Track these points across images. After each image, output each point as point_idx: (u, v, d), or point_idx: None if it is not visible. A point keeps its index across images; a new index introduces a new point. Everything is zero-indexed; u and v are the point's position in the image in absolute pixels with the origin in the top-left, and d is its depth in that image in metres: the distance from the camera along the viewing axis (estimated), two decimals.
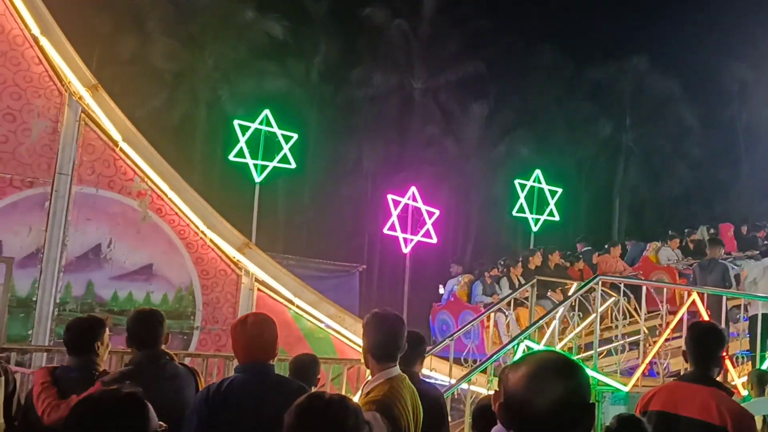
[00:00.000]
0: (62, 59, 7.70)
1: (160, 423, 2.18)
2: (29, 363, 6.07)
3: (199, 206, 8.41)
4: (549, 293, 10.97)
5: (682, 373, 3.93)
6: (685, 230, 14.42)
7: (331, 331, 8.77)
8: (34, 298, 7.51)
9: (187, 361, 5.30)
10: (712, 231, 13.87)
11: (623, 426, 3.08)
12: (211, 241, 8.40)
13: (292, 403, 3.33)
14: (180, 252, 8.27)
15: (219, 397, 3.15)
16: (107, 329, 3.73)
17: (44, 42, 7.65)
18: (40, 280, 7.57)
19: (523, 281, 11.02)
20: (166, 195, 8.20)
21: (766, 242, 12.64)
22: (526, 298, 10.00)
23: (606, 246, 13.34)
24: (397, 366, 3.17)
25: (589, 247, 13.67)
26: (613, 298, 9.84)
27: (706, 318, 8.15)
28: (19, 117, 7.56)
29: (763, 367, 7.47)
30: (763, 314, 8.23)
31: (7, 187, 7.49)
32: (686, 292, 8.21)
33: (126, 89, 20.48)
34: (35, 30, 7.61)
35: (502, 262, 12.56)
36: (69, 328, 3.67)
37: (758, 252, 11.19)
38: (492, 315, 10.28)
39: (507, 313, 10.50)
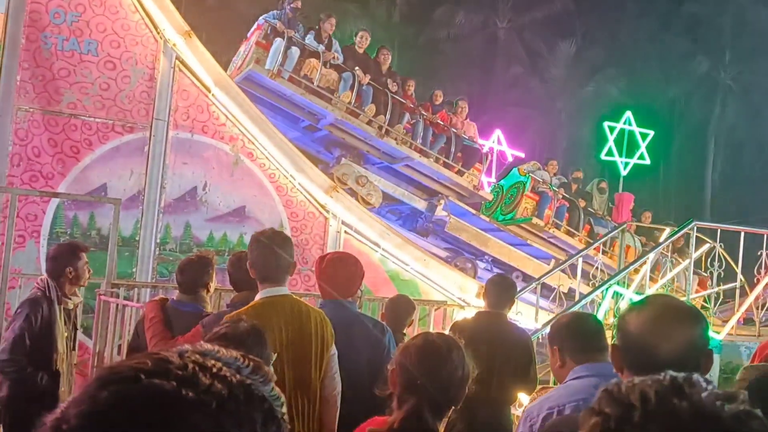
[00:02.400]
0: (156, 6, 7.91)
1: (270, 353, 2.33)
2: (136, 298, 6.46)
3: (287, 150, 8.58)
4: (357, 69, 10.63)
5: None
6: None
7: (416, 273, 8.89)
8: (137, 238, 7.93)
9: None
10: (603, 185, 13.52)
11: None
12: (300, 184, 8.59)
13: (372, 337, 3.46)
14: (270, 195, 8.51)
15: None
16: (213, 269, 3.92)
17: None
18: (142, 221, 7.97)
19: (332, 41, 10.79)
20: (256, 139, 8.41)
21: None
22: None
23: None
24: (278, 287, 3.09)
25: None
26: (708, 244, 9.53)
27: None
28: (119, 65, 7.85)
29: None
30: None
31: (110, 133, 7.85)
32: None
33: (212, 35, 20.81)
34: None
35: None
36: (183, 269, 3.87)
37: None
38: None
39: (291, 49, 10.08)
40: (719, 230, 8.30)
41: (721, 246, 8.99)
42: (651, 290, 8.21)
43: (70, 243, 5.11)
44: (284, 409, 0.78)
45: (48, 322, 4.20)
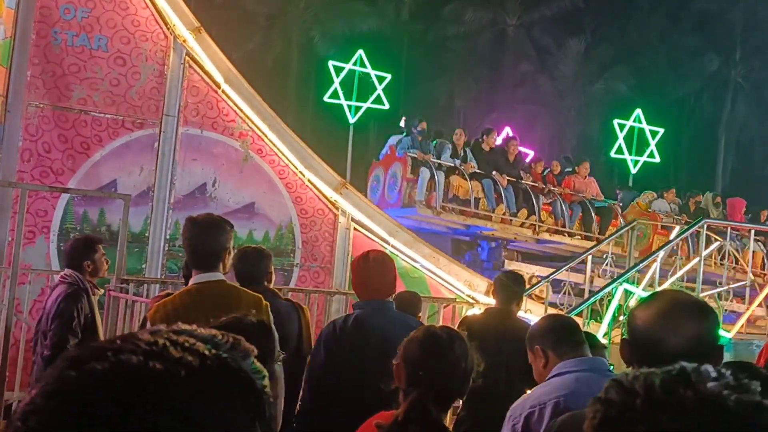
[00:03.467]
0: (167, 2, 7.92)
1: (280, 351, 2.32)
2: (146, 294, 6.48)
3: (297, 147, 8.58)
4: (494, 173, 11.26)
5: None
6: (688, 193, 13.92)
7: (425, 271, 8.88)
8: (146, 234, 7.95)
9: (289, 295, 5.53)
10: (717, 200, 13.34)
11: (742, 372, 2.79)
12: (309, 181, 8.59)
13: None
14: (280, 191, 8.51)
15: (348, 330, 3.30)
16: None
17: None
18: (152, 217, 7.99)
19: (466, 152, 11.40)
20: (266, 136, 8.41)
21: None
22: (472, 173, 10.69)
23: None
24: (211, 273, 2.99)
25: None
26: (717, 243, 9.49)
27: None
28: (129, 61, 7.87)
29: None
30: None
31: (120, 129, 7.88)
32: None
33: (221, 33, 20.83)
34: None
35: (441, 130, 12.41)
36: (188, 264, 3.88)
37: None
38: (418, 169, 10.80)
39: (436, 173, 10.86)
40: (729, 229, 8.27)
41: (731, 244, 8.95)
42: (660, 289, 8.17)
43: (84, 237, 5.14)
44: (266, 383, 0.77)
45: (90, 313, 4.23)
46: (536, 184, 11.64)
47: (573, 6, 29.12)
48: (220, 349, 0.74)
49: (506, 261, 11.16)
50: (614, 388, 0.86)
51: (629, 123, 15.91)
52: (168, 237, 8.05)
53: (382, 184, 11.68)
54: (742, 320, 7.84)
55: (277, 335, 2.31)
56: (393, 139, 11.73)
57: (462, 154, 11.39)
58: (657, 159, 16.44)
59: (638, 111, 16.22)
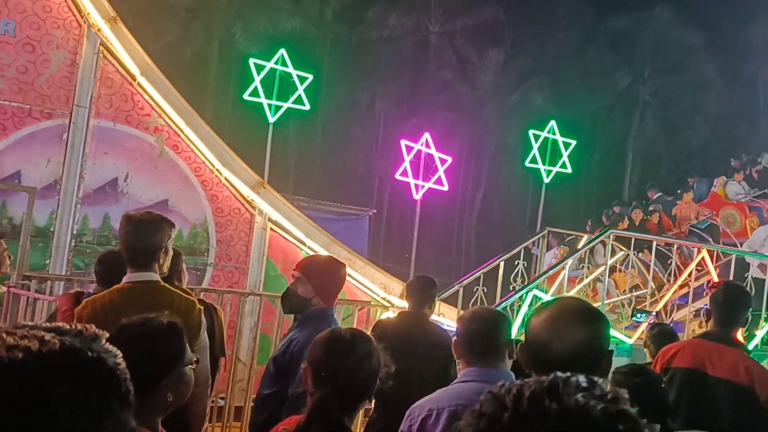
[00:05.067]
0: None
1: (194, 355, 2.27)
2: (48, 291, 6.20)
3: (214, 144, 8.42)
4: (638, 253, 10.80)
5: (701, 332, 3.88)
6: (743, 157, 14.28)
7: None
8: (51, 229, 7.62)
9: (201, 295, 5.42)
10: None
11: (636, 376, 2.83)
12: (225, 179, 8.44)
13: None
14: (195, 189, 8.33)
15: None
16: None
17: None
18: (58, 211, 7.66)
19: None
20: (182, 131, 8.21)
21: None
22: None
23: (678, 191, 13.26)
24: (144, 272, 2.98)
25: (660, 193, 13.60)
26: (622, 252, 9.90)
27: (715, 277, 8.23)
28: (39, 48, 7.53)
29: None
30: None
31: (26, 118, 7.52)
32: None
33: (139, 23, 20.22)
34: None
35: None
36: (102, 260, 3.76)
37: None
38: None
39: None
40: (633, 239, 8.65)
41: (635, 254, 9.37)
42: (569, 295, 8.47)
43: None
44: (119, 361, 0.81)
45: None
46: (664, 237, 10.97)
47: (494, 17, 29.84)
48: (66, 335, 0.79)
49: None
50: (488, 400, 0.86)
51: (544, 134, 16.37)
52: (75, 232, 7.74)
53: None
54: (643, 326, 8.22)
55: (204, 339, 2.27)
56: None
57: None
58: (569, 170, 16.97)
59: (553, 122, 16.70)
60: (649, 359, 4.51)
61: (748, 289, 4.83)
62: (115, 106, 7.88)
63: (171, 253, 3.11)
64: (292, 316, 3.78)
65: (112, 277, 3.71)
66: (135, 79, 7.94)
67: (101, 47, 7.75)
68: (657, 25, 30.60)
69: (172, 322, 2.12)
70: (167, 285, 3.04)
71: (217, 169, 8.38)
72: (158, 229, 2.99)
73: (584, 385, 0.84)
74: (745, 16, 28.87)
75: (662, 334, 4.70)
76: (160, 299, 2.88)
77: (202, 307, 3.03)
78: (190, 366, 2.10)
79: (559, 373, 0.86)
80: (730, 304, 3.48)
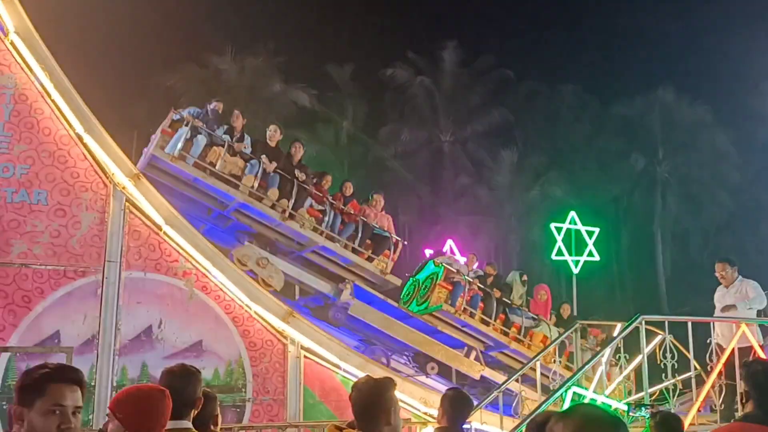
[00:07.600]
0: (105, 154, 8.17)
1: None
2: None
3: (241, 281, 8.69)
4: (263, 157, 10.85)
5: (743, 413, 3.74)
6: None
7: None
8: (92, 383, 7.79)
9: None
10: (524, 278, 13.64)
11: None
12: (255, 313, 8.64)
13: None
14: (227, 326, 8.52)
15: None
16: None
17: (88, 139, 8.14)
18: (97, 365, 7.87)
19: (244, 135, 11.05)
20: (209, 273, 8.51)
21: None
22: None
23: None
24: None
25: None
26: (659, 336, 9.74)
27: (759, 353, 8.03)
28: (69, 211, 8.00)
29: None
30: None
31: (62, 279, 7.88)
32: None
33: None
34: (79, 129, 8.12)
35: None
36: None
37: None
38: None
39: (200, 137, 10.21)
40: (667, 322, 8.54)
41: (671, 337, 9.22)
42: (609, 389, 8.32)
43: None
44: None
45: None
46: (306, 187, 11.26)
47: (502, 120, 30.77)
48: None
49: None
50: None
51: (565, 225, 16.53)
52: (115, 384, 7.90)
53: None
54: (693, 411, 7.97)
55: None
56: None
57: (239, 136, 10.97)
58: (597, 257, 16.97)
59: (572, 213, 16.89)
60: None
61: None
62: (144, 256, 8.24)
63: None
64: None
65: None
66: (161, 229, 8.34)
67: (127, 203, 8.21)
68: (662, 105, 31.21)
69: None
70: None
71: (247, 305, 8.60)
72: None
73: None
74: (747, 86, 29.40)
75: (665, 421, 4.47)
76: None
77: None
78: None
79: None
80: (761, 382, 3.33)
